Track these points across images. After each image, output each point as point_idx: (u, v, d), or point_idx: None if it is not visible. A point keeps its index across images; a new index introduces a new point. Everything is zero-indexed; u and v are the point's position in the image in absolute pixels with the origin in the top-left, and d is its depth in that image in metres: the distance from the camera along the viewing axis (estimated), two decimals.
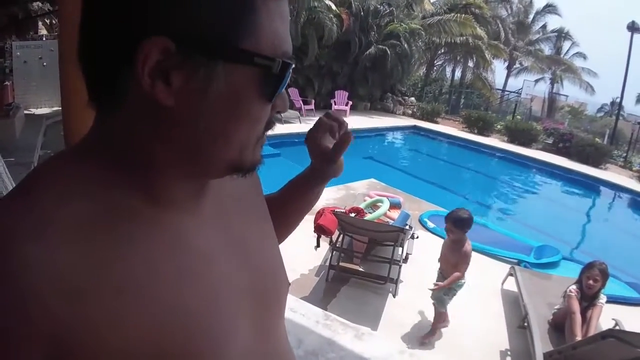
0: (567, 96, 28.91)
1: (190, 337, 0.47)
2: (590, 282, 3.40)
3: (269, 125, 0.52)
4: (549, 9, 26.46)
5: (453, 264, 3.50)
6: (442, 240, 5.71)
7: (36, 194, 0.44)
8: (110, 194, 0.46)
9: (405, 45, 16.02)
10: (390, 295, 4.14)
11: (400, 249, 4.47)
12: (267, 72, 0.46)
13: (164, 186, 0.50)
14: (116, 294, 0.42)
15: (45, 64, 9.76)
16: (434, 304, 3.62)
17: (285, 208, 0.85)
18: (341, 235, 4.51)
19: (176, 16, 0.42)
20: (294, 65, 0.50)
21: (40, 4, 10.77)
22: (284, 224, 0.83)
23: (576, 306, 3.33)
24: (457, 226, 3.45)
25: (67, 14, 2.19)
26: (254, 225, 0.65)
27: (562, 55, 27.99)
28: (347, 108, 14.77)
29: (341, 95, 15.06)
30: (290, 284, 0.74)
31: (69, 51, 2.11)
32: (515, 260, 5.51)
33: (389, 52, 15.57)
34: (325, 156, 0.80)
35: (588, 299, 3.41)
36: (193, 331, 0.47)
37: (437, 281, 3.61)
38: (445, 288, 3.51)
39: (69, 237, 0.41)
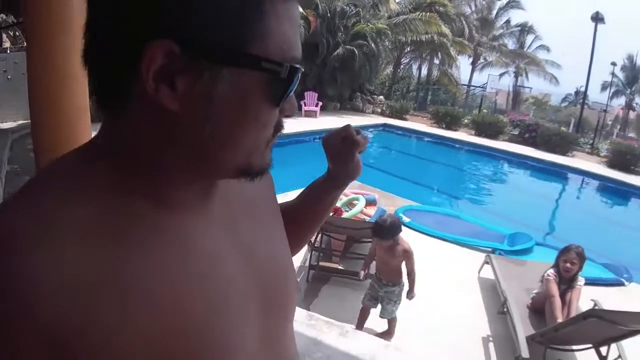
0: (531, 88, 29.85)
1: (197, 341, 0.46)
2: (568, 265, 3.49)
3: (278, 128, 0.52)
4: (513, 3, 27.27)
5: (397, 267, 3.48)
6: (418, 235, 5.85)
7: (42, 196, 0.44)
8: (116, 197, 0.46)
9: (373, 44, 16.17)
10: None
11: None
12: (275, 77, 0.46)
13: (171, 189, 0.49)
14: (121, 297, 0.42)
15: (9, 77, 9.42)
16: (388, 319, 3.59)
17: (302, 215, 0.85)
18: (319, 235, 4.51)
19: (181, 19, 0.41)
20: (302, 70, 0.49)
21: (4, 17, 10.40)
22: (300, 232, 0.84)
23: (555, 290, 3.41)
24: (384, 237, 3.39)
25: (33, 26, 2.13)
26: (263, 227, 0.64)
27: (525, 49, 28.86)
28: (317, 109, 14.83)
29: (311, 97, 15.08)
30: (300, 288, 0.72)
31: (37, 63, 2.06)
32: (490, 249, 5.63)
33: (356, 52, 15.69)
34: (340, 157, 0.80)
35: (566, 282, 3.49)
36: (200, 335, 0.47)
37: (376, 286, 3.56)
38: (393, 300, 3.50)
39: (74, 242, 0.41)
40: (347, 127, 0.78)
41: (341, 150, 0.79)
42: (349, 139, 0.77)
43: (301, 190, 0.88)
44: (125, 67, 0.42)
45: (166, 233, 0.48)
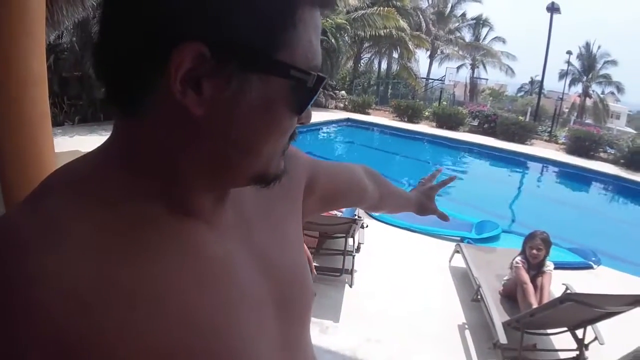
0: (487, 79, 30.74)
1: (209, 350, 0.45)
2: (534, 251, 3.58)
3: (293, 136, 0.52)
4: None
5: None
6: (387, 227, 5.91)
7: (52, 201, 0.43)
8: (129, 203, 0.45)
9: (333, 40, 16.21)
10: (347, 285, 4.16)
11: (352, 239, 4.51)
12: (301, 85, 0.45)
13: (185, 196, 0.48)
14: (130, 306, 0.41)
15: None
16: None
17: (383, 205, 1.06)
18: None
19: (213, 22, 0.40)
20: (327, 79, 0.48)
21: None
22: (380, 209, 1.10)
23: (526, 276, 3.50)
24: None
25: None
26: (278, 233, 0.62)
27: (481, 41, 29.67)
28: None
29: None
30: (315, 293, 0.74)
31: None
32: (459, 238, 5.73)
33: None
34: (428, 192, 1.15)
35: (535, 268, 3.59)
36: (212, 344, 0.46)
37: None
38: None
39: (79, 249, 0.40)
40: (453, 178, 1.18)
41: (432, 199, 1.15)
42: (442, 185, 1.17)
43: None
44: (150, 68, 0.41)
45: (180, 240, 0.47)
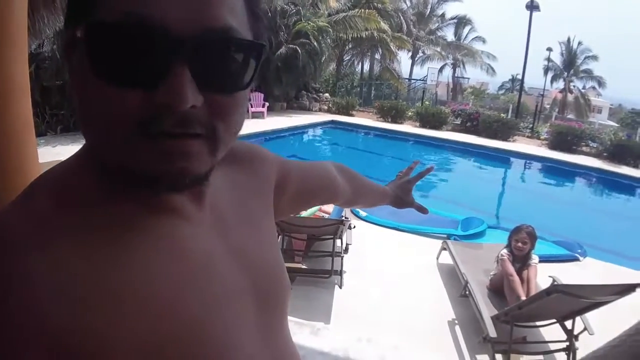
0: (468, 78, 31.06)
1: (194, 344, 0.46)
2: (520, 244, 3.64)
3: (158, 119, 0.42)
4: None
5: None
6: (375, 227, 5.93)
7: (37, 202, 0.43)
8: (109, 202, 0.46)
9: (315, 43, 16.20)
10: (336, 287, 4.17)
11: (340, 240, 4.52)
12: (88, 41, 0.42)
13: (155, 194, 0.48)
14: (114, 302, 0.41)
15: None
16: None
17: (357, 199, 1.05)
18: (280, 237, 4.46)
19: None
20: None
21: None
22: (347, 204, 1.05)
23: (511, 268, 3.55)
24: None
25: None
26: (254, 229, 0.63)
27: (462, 41, 29.99)
28: (264, 110, 14.72)
29: (257, 97, 14.91)
30: (292, 287, 0.75)
31: None
32: (445, 235, 5.79)
33: (299, 50, 15.66)
34: (405, 185, 1.15)
35: (520, 261, 3.64)
36: (196, 337, 0.46)
37: None
38: None
39: (67, 247, 0.41)
40: (431, 169, 1.17)
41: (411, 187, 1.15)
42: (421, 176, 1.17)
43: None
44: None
45: (158, 237, 0.48)
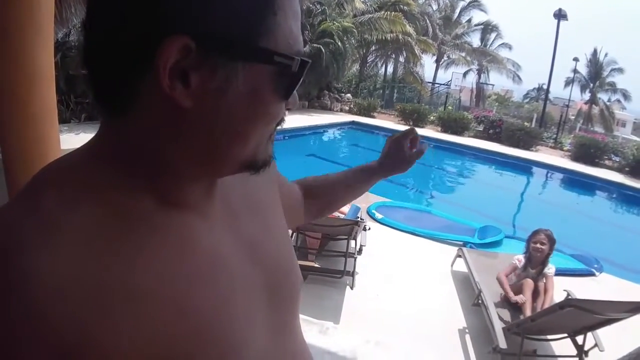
0: (493, 85, 30.67)
1: (204, 340, 0.46)
2: (538, 245, 3.59)
3: (280, 121, 0.52)
4: (474, 3, 27.89)
5: None
6: (391, 230, 5.91)
7: (43, 198, 0.43)
8: (120, 198, 0.45)
9: (339, 43, 16.20)
10: (348, 287, 4.17)
11: (354, 241, 4.51)
12: (286, 71, 0.47)
13: (174, 188, 0.49)
14: (125, 300, 0.41)
15: None
16: None
17: (341, 188, 1.00)
18: (294, 234, 4.48)
19: (196, 15, 0.41)
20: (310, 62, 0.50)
21: None
22: (330, 205, 1.01)
23: (504, 277, 3.65)
24: None
25: (1, 25, 2.04)
26: (264, 222, 0.64)
27: (488, 47, 29.63)
28: None
29: None
30: (303, 280, 0.76)
31: (4, 63, 1.96)
32: (461, 242, 5.72)
33: (323, 50, 15.68)
34: (403, 156, 0.99)
35: (537, 265, 3.59)
36: (207, 334, 0.47)
37: None
38: None
39: (75, 245, 0.40)
40: (413, 129, 1.01)
41: (404, 148, 0.99)
42: (416, 139, 1.00)
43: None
44: (138, 64, 0.42)
45: (169, 234, 0.48)
